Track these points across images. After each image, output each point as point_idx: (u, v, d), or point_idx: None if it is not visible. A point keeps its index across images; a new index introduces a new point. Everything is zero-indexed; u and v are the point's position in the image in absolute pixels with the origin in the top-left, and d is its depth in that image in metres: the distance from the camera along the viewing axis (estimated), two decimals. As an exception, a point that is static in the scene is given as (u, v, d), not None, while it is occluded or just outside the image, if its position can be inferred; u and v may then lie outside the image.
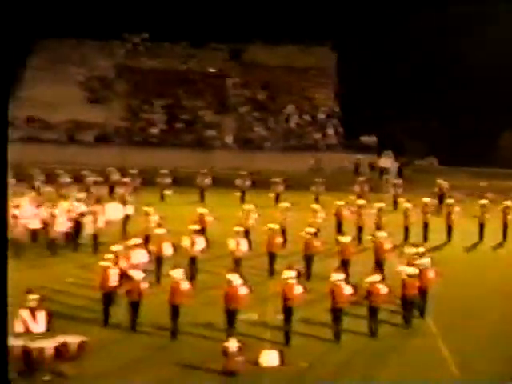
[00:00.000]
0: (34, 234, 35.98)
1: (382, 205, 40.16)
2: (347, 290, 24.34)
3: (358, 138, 63.31)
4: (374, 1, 61.27)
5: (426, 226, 39.82)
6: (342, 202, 40.13)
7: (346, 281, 25.11)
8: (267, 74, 70.45)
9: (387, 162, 60.30)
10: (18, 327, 20.70)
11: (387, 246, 31.95)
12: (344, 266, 29.40)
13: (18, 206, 36.80)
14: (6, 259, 7.12)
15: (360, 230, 37.96)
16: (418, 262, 27.29)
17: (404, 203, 41.39)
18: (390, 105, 59.58)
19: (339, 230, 37.97)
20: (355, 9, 62.11)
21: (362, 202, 40.47)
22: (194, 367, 21.37)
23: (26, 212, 36.35)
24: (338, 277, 24.54)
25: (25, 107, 65.62)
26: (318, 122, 66.55)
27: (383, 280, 25.46)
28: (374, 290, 24.67)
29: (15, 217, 34.85)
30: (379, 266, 30.30)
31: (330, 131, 65.16)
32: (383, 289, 24.82)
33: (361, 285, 25.37)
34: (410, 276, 25.85)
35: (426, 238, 39.02)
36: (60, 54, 71.95)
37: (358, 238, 37.21)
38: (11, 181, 47.43)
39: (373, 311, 24.69)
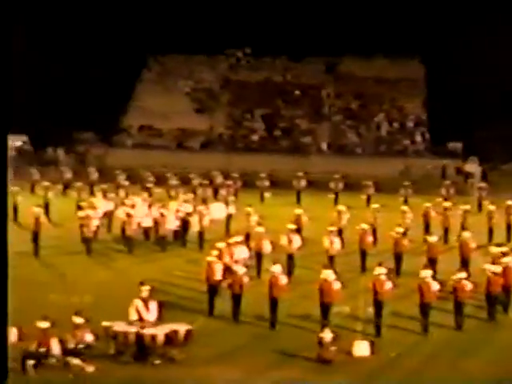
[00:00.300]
0: (146, 231, 36.47)
1: (467, 207, 39.68)
2: (434, 286, 24.10)
3: (445, 145, 62.59)
4: (458, 16, 60.43)
5: (509, 226, 39.13)
6: (429, 204, 39.70)
7: (434, 277, 24.84)
8: (360, 85, 70.09)
9: (472, 166, 59.53)
10: (133, 315, 21.02)
11: (472, 245, 31.54)
12: (431, 263, 29.07)
13: (133, 206, 37.38)
14: (6, 259, 7.09)
15: (446, 230, 37.48)
16: (502, 260, 26.90)
17: (488, 205, 40.81)
18: (476, 112, 58.69)
19: (427, 230, 37.59)
20: (442, 23, 61.35)
21: (448, 204, 40.05)
22: (291, 355, 21.40)
23: (139, 211, 36.83)
24: (426, 274, 24.32)
25: (138, 117, 66.70)
26: (407, 129, 65.99)
27: (468, 277, 25.20)
28: (460, 286, 24.38)
29: (130, 216, 35.43)
30: (464, 264, 29.95)
31: (418, 138, 64.58)
32: (468, 285, 24.51)
33: (447, 281, 25.08)
34: (494, 274, 25.49)
35: (509, 239, 38.35)
36: (170, 68, 72.81)
37: (445, 238, 36.74)
38: (125, 183, 48.36)
39: (458, 306, 24.41)
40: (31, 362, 19.28)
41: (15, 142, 66.13)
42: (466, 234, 32.38)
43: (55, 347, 19.70)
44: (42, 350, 19.56)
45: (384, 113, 67.26)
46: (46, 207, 39.92)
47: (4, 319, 6.92)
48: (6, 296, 6.87)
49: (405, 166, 59.74)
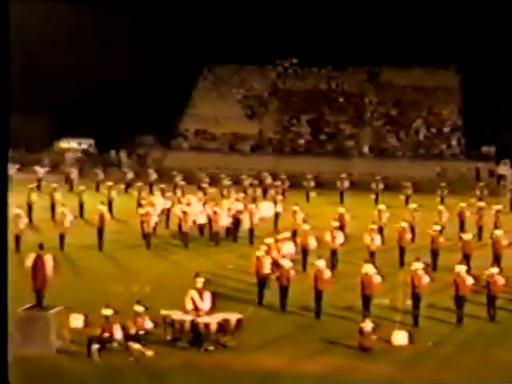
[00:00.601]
0: (200, 227, 36.57)
1: (499, 207, 39.20)
2: (469, 280, 23.91)
3: (479, 148, 62.11)
4: (491, 27, 59.92)
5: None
6: (464, 204, 39.33)
7: (468, 272, 24.68)
8: (399, 93, 69.83)
9: (504, 169, 58.96)
10: (188, 305, 21.13)
11: (504, 242, 31.21)
12: (466, 259, 28.80)
13: (188, 204, 37.54)
14: (6, 257, 6.99)
15: (480, 228, 37.08)
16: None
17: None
18: (508, 118, 58.13)
19: (462, 228, 37.25)
20: (476, 35, 60.86)
21: (482, 204, 39.62)
22: (334, 343, 21.40)
23: (194, 209, 36.96)
24: (460, 269, 24.13)
25: (194, 122, 67.02)
26: (444, 134, 65.51)
27: (500, 272, 24.99)
28: (493, 280, 24.18)
29: (186, 213, 35.57)
30: (497, 260, 29.65)
31: (454, 142, 64.10)
32: (500, 280, 24.34)
33: (481, 276, 24.86)
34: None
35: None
36: (223, 78, 73.07)
37: (479, 236, 36.36)
38: (181, 183, 48.61)
39: (491, 299, 24.21)
40: (96, 347, 19.48)
41: (82, 145, 66.94)
42: (499, 232, 32.03)
43: (118, 333, 19.89)
44: (106, 335, 19.75)
45: (422, 119, 66.89)
46: (110, 205, 40.22)
47: (4, 320, 6.84)
48: (6, 296, 6.80)
49: (441, 169, 59.35)
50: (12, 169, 52.32)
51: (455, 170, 59.39)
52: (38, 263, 20.75)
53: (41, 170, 52.20)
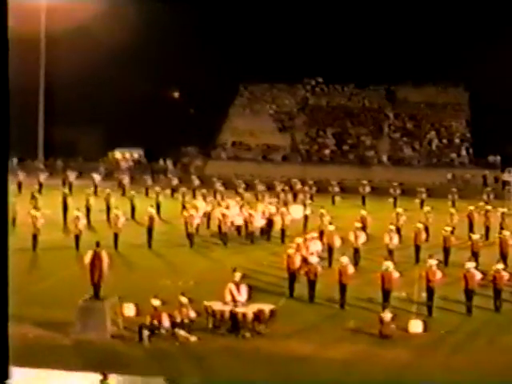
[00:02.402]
0: (238, 228, 36.56)
1: (504, 210, 38.85)
2: (477, 275, 23.73)
3: (486, 158, 61.81)
4: (496, 50, 59.45)
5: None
6: (473, 207, 39.02)
7: (476, 268, 24.45)
8: (414, 108, 69.55)
9: (509, 176, 58.54)
10: (227, 296, 21.16)
11: (510, 241, 30.89)
12: (474, 256, 28.62)
13: (227, 208, 37.53)
14: (6, 257, 6.91)
15: (487, 229, 36.76)
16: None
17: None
18: (512, 130, 57.88)
19: (471, 228, 36.91)
20: (482, 57, 60.45)
21: (488, 207, 39.28)
22: (357, 331, 21.31)
23: (232, 212, 36.96)
24: (470, 265, 23.97)
25: (231, 135, 67.17)
26: (454, 145, 65.08)
27: (506, 268, 24.84)
28: (499, 275, 23.96)
29: (225, 215, 35.57)
30: (503, 257, 29.26)
31: (463, 152, 63.63)
32: (506, 275, 24.13)
33: (488, 271, 24.63)
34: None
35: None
36: (257, 95, 73.18)
37: (486, 235, 36.07)
38: (221, 188, 48.72)
39: (497, 292, 23.97)
40: (146, 333, 19.57)
41: (133, 154, 67.36)
42: (505, 233, 31.74)
43: (165, 321, 19.97)
44: (155, 323, 19.84)
45: (434, 131, 66.52)
46: (158, 208, 40.35)
47: (5, 318, 6.80)
48: (7, 296, 6.77)
49: (452, 176, 58.96)
50: (71, 176, 52.82)
51: (464, 177, 58.98)
52: (96, 259, 20.87)
53: (97, 177, 52.53)
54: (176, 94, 68.69)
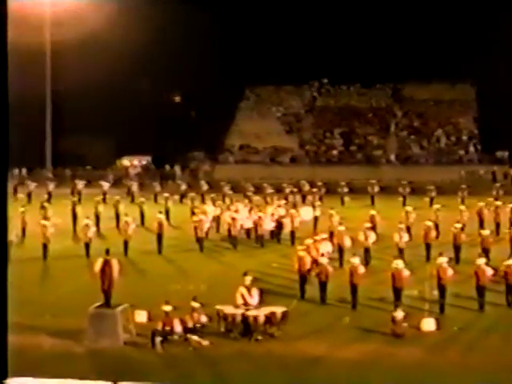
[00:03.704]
0: (247, 231, 36.60)
1: (514, 205, 38.84)
2: (488, 271, 23.68)
3: (494, 154, 61.71)
4: (503, 45, 59.38)
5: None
6: (482, 204, 38.95)
7: (487, 264, 24.40)
8: (421, 106, 69.51)
9: (518, 171, 58.49)
10: (239, 300, 21.16)
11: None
12: (485, 253, 28.38)
13: (236, 211, 37.57)
14: (6, 256, 6.89)
15: (498, 225, 36.71)
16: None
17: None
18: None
19: (481, 225, 36.83)
20: (489, 52, 60.37)
21: (498, 203, 39.24)
22: (369, 330, 21.28)
23: (241, 215, 36.99)
24: (480, 261, 23.91)
25: (238, 138, 67.28)
26: (462, 142, 65.03)
27: (517, 263, 24.68)
28: (510, 271, 23.82)
29: (234, 219, 35.61)
30: (514, 253, 29.29)
31: (472, 149, 63.59)
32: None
33: (499, 267, 24.55)
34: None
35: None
36: (263, 98, 73.25)
37: (496, 231, 35.99)
38: (229, 192, 48.77)
39: (509, 287, 23.86)
40: (159, 339, 19.60)
41: (142, 161, 67.54)
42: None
43: (177, 326, 19.99)
44: (167, 328, 19.87)
45: (442, 128, 66.46)
46: (167, 214, 40.40)
47: (4, 318, 6.78)
48: (6, 295, 6.74)
49: (461, 173, 58.84)
50: (80, 184, 52.97)
51: (473, 174, 58.90)
52: (106, 267, 20.91)
53: (106, 185, 52.66)
54: (181, 100, 68.81)
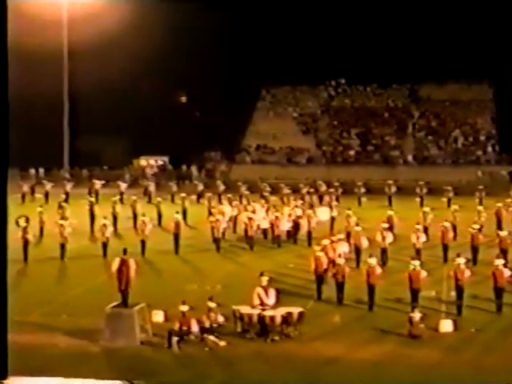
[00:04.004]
0: (264, 231, 36.58)
1: (533, 206, 38.59)
2: (506, 272, 23.51)
3: (512, 154, 61.55)
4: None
5: None
6: (500, 204, 38.74)
7: (505, 266, 24.21)
8: (438, 106, 69.30)
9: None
10: (255, 300, 21.12)
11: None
12: (503, 254, 28.31)
13: (253, 211, 37.54)
14: (5, 256, 6.85)
15: (516, 225, 36.56)
16: None
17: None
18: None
19: (499, 226, 36.65)
20: (507, 51, 60.09)
21: (517, 203, 39.02)
22: (386, 332, 21.19)
23: (258, 216, 36.95)
24: (498, 262, 23.74)
25: (255, 138, 67.30)
26: (480, 142, 64.72)
27: (536, 265, 24.54)
28: (529, 272, 23.75)
29: (251, 219, 35.56)
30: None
31: (489, 149, 63.30)
32: (536, 272, 23.87)
33: (518, 269, 24.42)
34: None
35: None
36: (279, 98, 73.25)
37: (515, 232, 35.80)
38: (246, 192, 48.74)
39: (528, 289, 23.77)
40: (175, 339, 19.60)
41: (158, 161, 67.72)
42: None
43: (194, 326, 19.98)
44: (184, 328, 19.86)
45: (459, 129, 66.17)
46: (184, 214, 40.48)
47: (4, 318, 6.75)
48: (6, 295, 6.71)
49: (479, 173, 58.57)
50: (98, 184, 53.16)
51: (491, 174, 58.57)
52: (123, 267, 20.95)
53: (123, 185, 52.81)
54: (198, 101, 68.96)
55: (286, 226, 36.16)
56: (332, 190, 49.64)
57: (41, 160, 60.77)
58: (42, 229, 36.21)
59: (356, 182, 51.76)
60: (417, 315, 20.86)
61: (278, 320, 20.50)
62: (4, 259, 7.25)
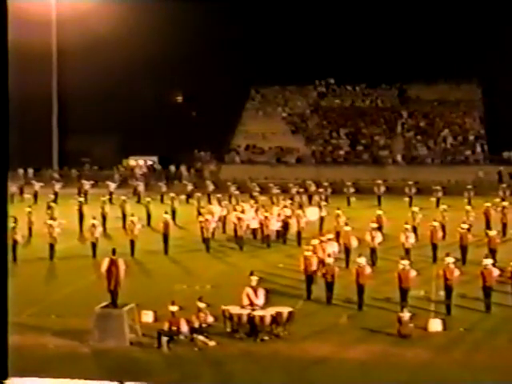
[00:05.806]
0: (253, 231, 36.57)
1: (521, 205, 38.74)
2: (495, 272, 23.57)
3: (500, 154, 61.57)
4: (508, 45, 59.31)
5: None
6: (489, 204, 38.85)
7: (494, 265, 24.30)
8: (427, 106, 69.44)
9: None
10: (245, 300, 21.13)
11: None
12: (492, 253, 28.34)
13: (242, 211, 37.52)
14: (6, 256, 6.85)
15: (504, 225, 36.62)
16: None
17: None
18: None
19: (487, 225, 36.74)
20: (495, 52, 60.29)
21: (505, 203, 39.13)
22: (375, 331, 21.21)
23: (247, 216, 36.95)
24: (487, 262, 23.78)
25: (244, 138, 67.27)
26: (468, 142, 64.87)
27: (524, 264, 24.60)
28: (517, 272, 23.82)
29: (240, 219, 35.55)
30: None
31: (478, 149, 63.42)
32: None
33: (506, 268, 24.45)
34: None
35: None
36: (269, 98, 73.23)
37: (503, 232, 35.91)
38: (235, 192, 48.73)
39: (516, 289, 23.86)
40: (165, 339, 19.58)
41: (147, 161, 67.64)
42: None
43: (184, 327, 19.96)
44: (173, 328, 19.84)
45: (448, 129, 66.32)
46: (173, 214, 40.42)
47: (4, 318, 6.73)
48: (6, 295, 6.69)
49: (467, 173, 58.67)
50: (87, 184, 53.03)
51: (480, 174, 58.69)
52: (112, 267, 20.91)
53: (112, 185, 52.69)
54: (187, 100, 68.91)
55: (275, 225, 36.16)
56: (321, 189, 49.67)
57: (30, 160, 60.57)
58: (30, 229, 36.10)
59: (345, 181, 51.81)
60: (406, 315, 20.90)
61: (268, 320, 20.50)
62: (4, 259, 7.21)
